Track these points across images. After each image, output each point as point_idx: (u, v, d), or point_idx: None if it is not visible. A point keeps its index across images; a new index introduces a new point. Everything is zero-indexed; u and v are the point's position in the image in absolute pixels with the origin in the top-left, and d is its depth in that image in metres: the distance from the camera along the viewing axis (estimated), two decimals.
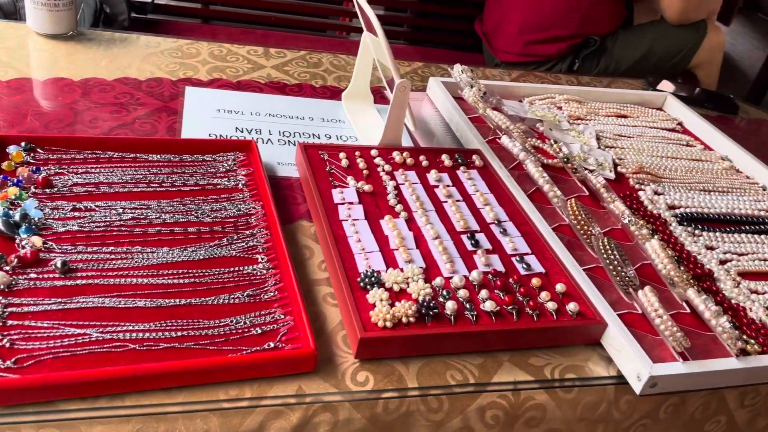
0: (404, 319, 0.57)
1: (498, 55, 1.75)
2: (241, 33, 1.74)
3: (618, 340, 0.61)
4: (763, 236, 0.85)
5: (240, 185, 0.72)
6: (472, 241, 0.70)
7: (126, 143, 0.73)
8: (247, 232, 0.65)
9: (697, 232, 0.83)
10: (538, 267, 0.69)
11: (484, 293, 0.62)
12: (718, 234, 0.83)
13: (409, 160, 0.82)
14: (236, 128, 0.85)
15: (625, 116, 1.13)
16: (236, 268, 0.61)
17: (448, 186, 0.79)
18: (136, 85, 0.90)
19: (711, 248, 0.81)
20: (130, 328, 0.52)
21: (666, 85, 1.29)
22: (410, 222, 0.71)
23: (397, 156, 0.81)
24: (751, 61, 4.05)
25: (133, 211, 0.64)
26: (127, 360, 0.49)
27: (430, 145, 0.93)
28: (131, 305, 0.54)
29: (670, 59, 1.65)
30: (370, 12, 0.83)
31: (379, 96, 1.00)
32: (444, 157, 0.84)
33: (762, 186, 0.98)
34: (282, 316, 0.56)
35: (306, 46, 1.67)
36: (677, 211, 0.87)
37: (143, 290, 0.56)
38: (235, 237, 0.64)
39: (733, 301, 0.72)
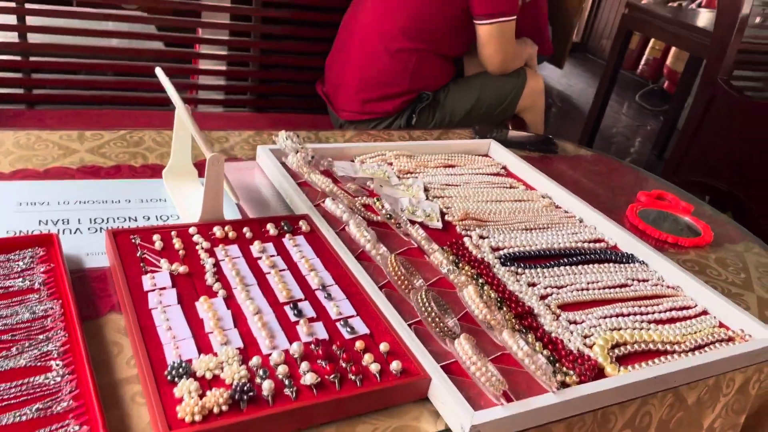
0: (216, 409, 0.54)
1: (340, 115, 1.78)
2: (75, 115, 1.66)
3: (442, 392, 0.62)
4: (580, 266, 0.91)
5: (36, 284, 0.66)
6: (295, 311, 0.68)
7: None
8: (42, 336, 0.60)
9: (519, 270, 0.87)
10: (362, 328, 0.68)
11: (305, 365, 0.61)
12: (538, 270, 0.88)
13: (231, 234, 0.80)
14: (40, 221, 0.79)
15: (453, 165, 1.18)
16: (26, 380, 0.55)
17: (272, 256, 0.77)
18: None
19: (533, 284, 0.85)
20: None
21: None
22: (229, 300, 0.69)
23: (218, 231, 0.79)
24: (586, 98, 4.46)
25: None
26: None
27: (264, 215, 0.91)
28: None
29: (497, 106, 1.77)
30: (170, 88, 0.82)
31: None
32: (269, 226, 0.83)
33: (579, 218, 1.06)
34: (76, 429, 0.51)
35: (142, 122, 1.62)
36: (501, 252, 0.91)
37: None
38: (27, 344, 0.59)
39: (552, 335, 0.75)
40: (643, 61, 4.76)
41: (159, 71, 0.85)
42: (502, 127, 1.75)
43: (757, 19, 2.60)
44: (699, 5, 4.32)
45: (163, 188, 0.93)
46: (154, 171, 0.97)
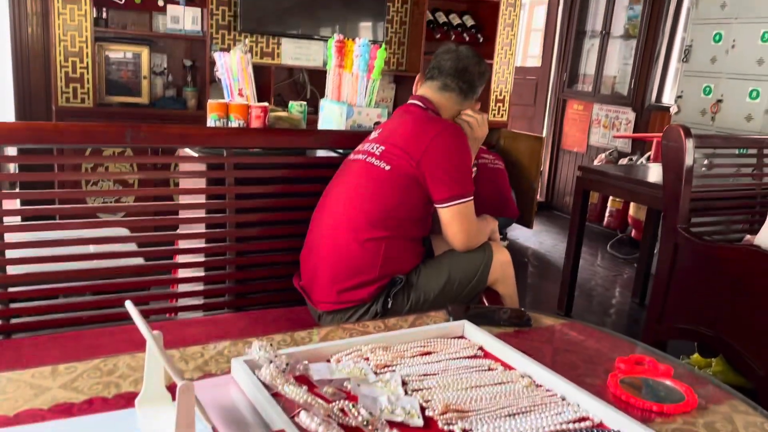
0: None
1: (318, 307, 1.81)
2: (52, 339, 1.66)
3: None
4: None
5: None
6: None
7: None
8: None
9: None
10: None
11: None
12: None
13: None
14: None
15: (429, 353, 1.19)
16: None
17: None
18: None
19: None
20: None
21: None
22: None
23: None
24: (559, 253, 4.58)
25: None
26: None
27: None
28: None
29: (469, 282, 1.82)
30: (140, 322, 0.84)
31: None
32: None
33: (561, 396, 1.05)
34: None
35: (120, 338, 1.62)
36: None
37: None
38: None
39: None
40: (607, 213, 4.98)
41: (129, 305, 0.87)
42: (475, 303, 1.79)
43: (703, 169, 2.79)
44: (648, 159, 4.63)
45: (136, 418, 0.91)
46: (127, 400, 0.96)
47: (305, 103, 2.43)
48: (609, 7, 5.27)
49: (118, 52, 3.76)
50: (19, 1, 3.72)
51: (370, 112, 2.32)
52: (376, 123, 2.29)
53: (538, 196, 5.30)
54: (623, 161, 4.97)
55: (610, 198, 4.88)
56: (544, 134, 5.91)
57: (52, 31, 3.48)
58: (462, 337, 1.28)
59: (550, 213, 5.94)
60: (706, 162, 2.84)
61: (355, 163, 1.87)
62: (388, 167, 1.77)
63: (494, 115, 5.07)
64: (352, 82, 2.32)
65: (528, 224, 4.55)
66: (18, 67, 3.82)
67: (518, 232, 5.09)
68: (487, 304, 1.87)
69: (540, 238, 5.05)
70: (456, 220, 1.76)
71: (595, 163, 5.22)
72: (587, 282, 4.06)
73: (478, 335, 1.25)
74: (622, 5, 5.21)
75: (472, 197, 1.78)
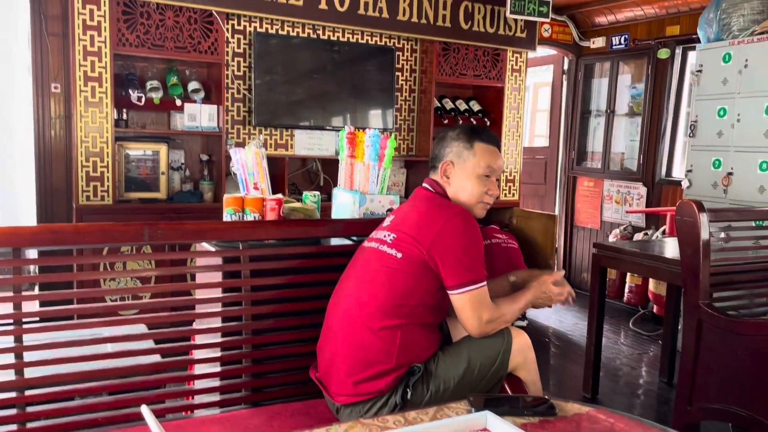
0: None
1: (335, 399, 1.77)
2: None
3: None
4: None
5: None
6: None
7: None
8: None
9: None
10: None
11: None
12: None
13: None
14: None
15: None
16: None
17: None
18: None
19: None
20: None
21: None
22: None
23: None
24: (581, 331, 4.49)
25: None
26: None
27: None
28: None
29: (489, 368, 1.78)
30: (155, 427, 0.83)
31: None
32: None
33: None
34: None
35: None
36: None
37: None
38: None
39: None
40: (626, 289, 4.91)
41: (144, 411, 0.87)
42: (497, 391, 1.74)
43: (720, 242, 2.77)
44: (663, 233, 4.60)
45: None
46: None
47: (319, 193, 2.47)
48: (612, 87, 5.41)
49: (137, 150, 3.89)
50: (43, 104, 3.90)
51: (383, 199, 2.35)
52: (389, 210, 2.32)
53: None
54: (638, 236, 4.95)
55: (629, 273, 4.83)
56: (556, 212, 5.93)
57: (75, 132, 3.62)
58: (485, 429, 1.24)
59: None
60: (722, 235, 2.82)
61: (368, 251, 1.88)
62: (399, 255, 1.78)
63: (505, 194, 5.12)
64: (364, 171, 2.37)
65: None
66: (41, 168, 3.95)
67: (537, 311, 5.01)
68: (509, 392, 1.82)
69: (560, 317, 4.97)
70: (468, 306, 1.74)
71: (610, 239, 5.20)
72: (612, 361, 3.95)
73: (501, 427, 1.21)
74: (624, 85, 5.35)
75: (484, 283, 1.77)
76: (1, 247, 1.60)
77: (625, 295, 4.94)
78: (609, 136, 5.46)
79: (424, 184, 1.96)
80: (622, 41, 5.27)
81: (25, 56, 4.00)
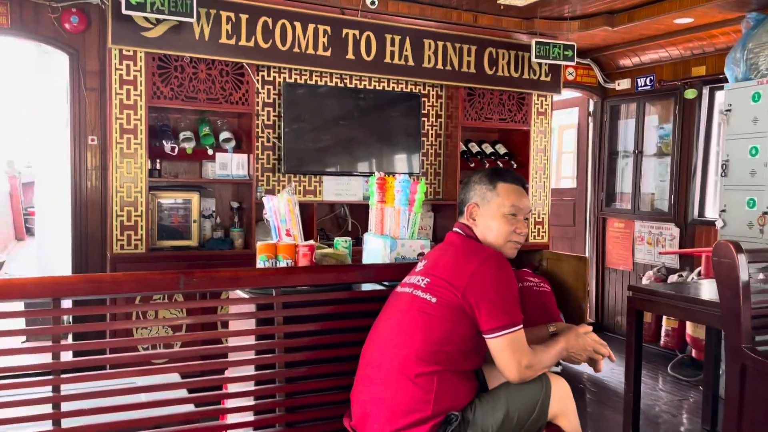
0: None
1: None
2: None
3: None
4: None
5: None
6: None
7: None
8: None
9: None
10: None
11: None
12: None
13: None
14: None
15: None
16: None
17: None
18: None
19: None
20: None
21: None
22: None
23: None
24: (617, 377, 4.37)
25: None
26: None
27: None
28: None
29: (528, 416, 1.73)
30: None
31: None
32: None
33: None
34: None
35: None
36: None
37: None
38: None
39: None
40: (663, 333, 4.78)
41: None
42: None
43: (759, 284, 2.70)
44: (699, 275, 4.50)
45: None
46: None
47: (350, 239, 2.48)
48: (639, 127, 5.40)
49: (170, 199, 3.96)
50: (80, 156, 4.02)
51: (413, 243, 2.35)
52: (420, 254, 2.32)
53: (587, 317, 5.15)
54: (673, 278, 4.84)
55: (665, 317, 4.71)
56: (587, 253, 5.86)
57: (110, 183, 3.71)
58: None
59: (602, 334, 5.72)
60: (761, 276, 2.75)
61: (402, 296, 1.87)
62: (434, 299, 1.77)
63: (534, 237, 5.08)
64: (395, 216, 2.38)
65: None
66: (77, 218, 4.04)
67: None
68: None
69: None
70: (506, 350, 1.71)
71: (644, 281, 5.10)
72: (651, 408, 3.83)
73: None
74: (652, 125, 5.33)
75: (521, 326, 1.74)
76: (42, 298, 1.63)
77: (662, 338, 4.80)
78: (638, 177, 5.41)
79: (455, 228, 1.96)
80: (648, 82, 5.27)
81: (64, 110, 4.14)
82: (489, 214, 1.90)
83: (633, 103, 5.46)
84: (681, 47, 4.90)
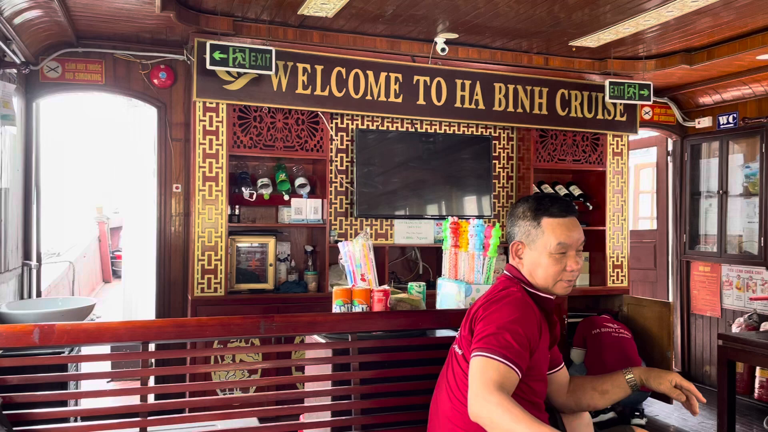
0: None
1: None
2: None
3: None
4: None
5: None
6: None
7: None
8: None
9: None
10: None
11: None
12: None
13: None
14: None
15: None
16: None
17: None
18: None
19: None
20: None
21: None
22: None
23: None
24: (706, 430, 4.10)
25: None
26: None
27: None
28: None
29: None
30: None
31: None
32: None
33: None
34: None
35: None
36: None
37: None
38: None
39: None
40: (757, 384, 4.47)
41: None
42: None
43: None
44: None
45: None
46: None
47: (424, 284, 2.48)
48: (722, 167, 5.17)
49: (247, 243, 4.09)
50: (166, 203, 4.23)
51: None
52: None
53: (673, 367, 4.89)
54: (765, 325, 4.55)
55: (758, 367, 4.41)
56: (670, 299, 5.59)
57: (192, 228, 3.87)
58: None
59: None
60: None
61: (450, 348, 1.87)
62: (460, 351, 1.76)
63: (613, 281, 4.89)
64: (469, 261, 2.36)
65: (667, 399, 4.16)
66: (161, 262, 4.23)
67: (656, 408, 4.64)
68: None
69: (683, 414, 4.57)
70: (478, 370, 1.56)
71: (734, 328, 4.81)
72: None
73: None
74: (737, 164, 5.10)
75: (506, 363, 1.56)
76: (131, 341, 1.70)
77: (756, 390, 4.49)
78: (723, 218, 5.16)
79: (504, 270, 1.87)
80: (731, 120, 5.07)
81: (152, 160, 4.38)
82: (535, 254, 1.75)
83: (715, 142, 5.25)
84: (765, 83, 4.70)
